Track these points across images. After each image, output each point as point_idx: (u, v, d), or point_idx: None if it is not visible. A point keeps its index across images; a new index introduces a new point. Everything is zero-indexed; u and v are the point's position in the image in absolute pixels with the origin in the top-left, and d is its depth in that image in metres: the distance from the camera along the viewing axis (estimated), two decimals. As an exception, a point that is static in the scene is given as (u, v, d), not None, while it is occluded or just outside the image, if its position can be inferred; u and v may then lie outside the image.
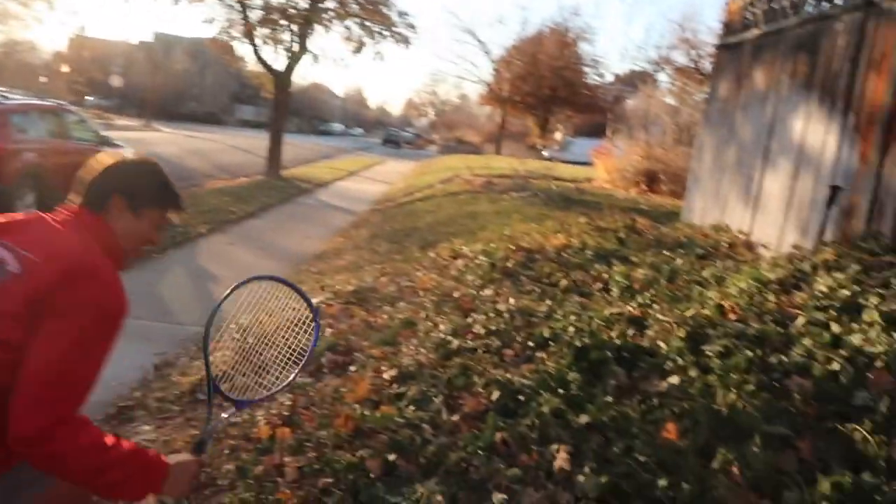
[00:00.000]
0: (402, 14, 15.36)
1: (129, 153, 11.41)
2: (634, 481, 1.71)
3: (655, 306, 2.64)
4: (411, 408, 2.28)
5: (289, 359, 2.00)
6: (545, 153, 34.61)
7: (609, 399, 1.96)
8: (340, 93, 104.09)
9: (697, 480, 1.66)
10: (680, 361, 2.12)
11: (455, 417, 2.18)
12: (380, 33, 15.46)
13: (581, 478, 1.76)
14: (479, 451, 1.96)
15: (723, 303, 2.58)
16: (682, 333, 2.25)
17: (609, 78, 42.54)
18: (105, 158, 1.75)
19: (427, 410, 2.24)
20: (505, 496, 1.79)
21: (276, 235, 9.81)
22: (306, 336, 1.99)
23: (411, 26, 15.45)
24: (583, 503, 1.72)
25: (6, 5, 30.51)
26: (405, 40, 15.37)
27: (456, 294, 3.45)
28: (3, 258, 1.48)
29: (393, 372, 2.70)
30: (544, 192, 8.93)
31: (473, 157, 21.80)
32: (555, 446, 1.88)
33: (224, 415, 1.87)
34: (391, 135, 66.81)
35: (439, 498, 1.83)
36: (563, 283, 3.36)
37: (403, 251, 6.23)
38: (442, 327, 2.98)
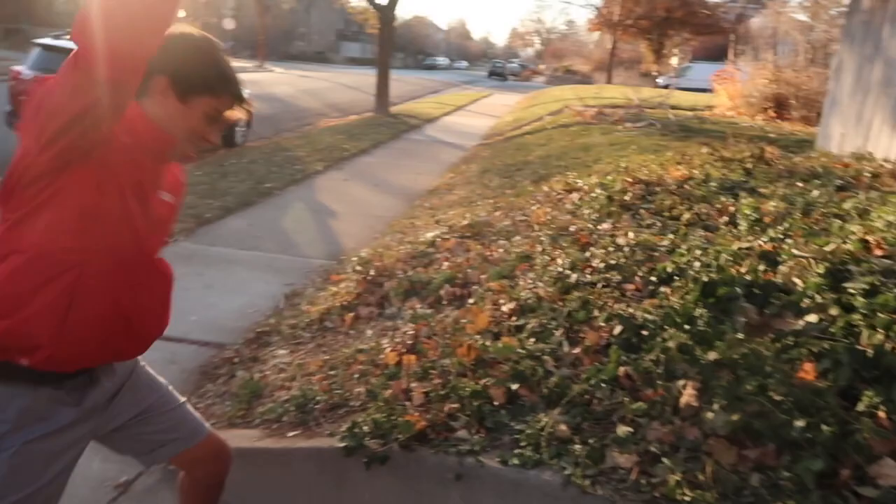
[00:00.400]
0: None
1: (246, 94, 11.90)
2: (767, 420, 1.67)
3: (789, 241, 2.50)
4: (532, 340, 2.32)
5: None
6: (660, 80, 32.80)
7: (740, 336, 1.90)
8: (444, 26, 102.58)
9: (839, 423, 1.60)
10: (818, 299, 2.01)
11: (576, 350, 2.20)
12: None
13: (710, 415, 1.74)
14: (603, 384, 1.97)
15: (867, 237, 2.41)
16: (820, 269, 2.12)
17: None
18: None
19: (548, 343, 2.28)
20: (630, 429, 1.80)
21: (388, 172, 10.01)
22: None
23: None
24: (711, 440, 1.71)
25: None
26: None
27: (572, 228, 3.42)
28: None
29: (511, 305, 2.74)
30: (661, 121, 8.51)
31: (583, 88, 21.04)
32: (681, 382, 1.86)
33: None
34: (496, 67, 65.39)
35: (563, 427, 1.87)
36: (686, 216, 3.24)
37: (515, 186, 6.20)
38: (559, 261, 2.97)
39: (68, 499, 1.62)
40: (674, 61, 43.48)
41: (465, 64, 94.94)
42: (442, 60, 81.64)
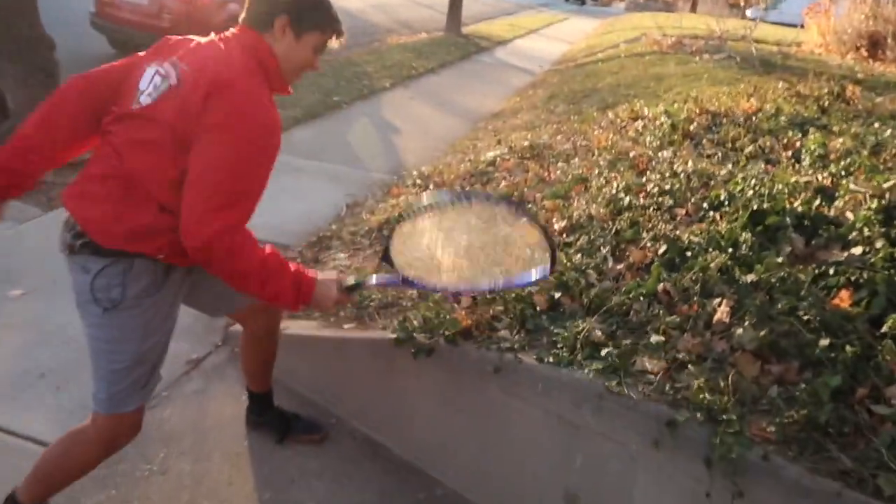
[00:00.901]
0: None
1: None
2: (794, 339, 1.76)
3: (850, 177, 2.49)
4: (579, 255, 2.43)
5: (474, 274, 1.86)
6: (749, 12, 30.83)
7: (779, 260, 1.96)
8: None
9: (863, 346, 1.67)
10: (867, 232, 2.03)
11: (620, 266, 2.30)
12: None
13: (739, 330, 1.83)
14: (641, 298, 2.08)
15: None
16: (874, 205, 2.13)
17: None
18: None
19: (593, 258, 2.38)
20: (662, 338, 1.91)
21: (454, 92, 9.97)
22: (517, 267, 1.83)
23: None
24: (738, 354, 1.80)
25: None
26: None
27: (632, 154, 3.43)
28: (167, 72, 1.64)
29: (563, 223, 2.83)
30: (742, 54, 8.14)
31: (663, 16, 20.05)
32: (717, 300, 1.95)
33: (382, 280, 1.94)
34: (575, -10, 62.51)
35: (598, 333, 2.00)
36: (749, 148, 3.21)
37: (581, 112, 6.14)
38: (614, 184, 3.02)
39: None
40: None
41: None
42: (519, -20, 78.52)
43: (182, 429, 2.61)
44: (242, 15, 1.76)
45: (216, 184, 1.56)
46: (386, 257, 1.90)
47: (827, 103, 4.23)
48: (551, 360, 1.97)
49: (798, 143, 3.21)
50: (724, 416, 1.63)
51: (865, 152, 2.97)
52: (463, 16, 18.45)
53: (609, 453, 1.85)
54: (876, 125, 3.73)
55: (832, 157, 2.93)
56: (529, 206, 3.34)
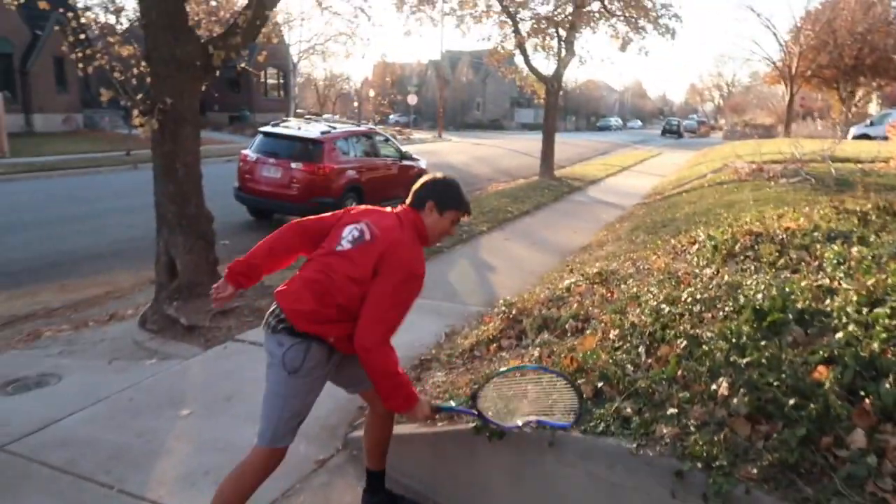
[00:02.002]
0: (665, 6, 15.35)
1: (423, 164, 13.43)
2: (776, 404, 2.24)
3: (848, 278, 2.95)
4: (619, 353, 3.00)
5: (531, 416, 2.71)
6: (853, 130, 30.66)
7: (764, 344, 2.46)
8: (618, 87, 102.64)
9: (826, 405, 2.13)
10: (844, 320, 2.50)
11: (650, 360, 2.84)
12: (643, 28, 15.64)
13: (735, 400, 2.33)
14: (663, 381, 2.62)
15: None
16: (855, 297, 2.60)
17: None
18: (426, 177, 2.80)
19: (630, 355, 2.94)
20: (676, 410, 2.43)
21: (546, 231, 10.83)
22: (556, 416, 2.65)
23: (676, 17, 15.35)
24: (734, 418, 2.30)
25: (327, 46, 36.68)
26: (671, 32, 15.33)
27: (680, 273, 4.00)
28: (362, 230, 2.63)
29: (616, 332, 3.41)
30: (819, 175, 8.50)
31: (755, 142, 20.52)
32: (720, 379, 2.46)
33: (462, 409, 2.92)
34: (670, 124, 64.40)
35: (628, 410, 2.55)
36: (780, 262, 3.71)
37: (655, 241, 6.73)
38: (661, 298, 3.59)
39: (283, 468, 2.77)
40: (871, 108, 40.27)
41: (638, 123, 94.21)
42: (614, 121, 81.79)
43: (313, 511, 3.27)
44: (408, 199, 2.80)
45: (381, 307, 2.46)
46: (474, 397, 2.80)
47: (873, 216, 4.63)
48: (591, 431, 2.52)
49: (827, 254, 3.67)
50: (716, 463, 2.12)
51: (886, 258, 3.40)
52: (558, 159, 19.81)
53: (638, 502, 2.33)
54: (917, 234, 4.10)
55: (852, 264, 3.38)
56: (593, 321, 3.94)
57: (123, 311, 6.97)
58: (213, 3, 7.24)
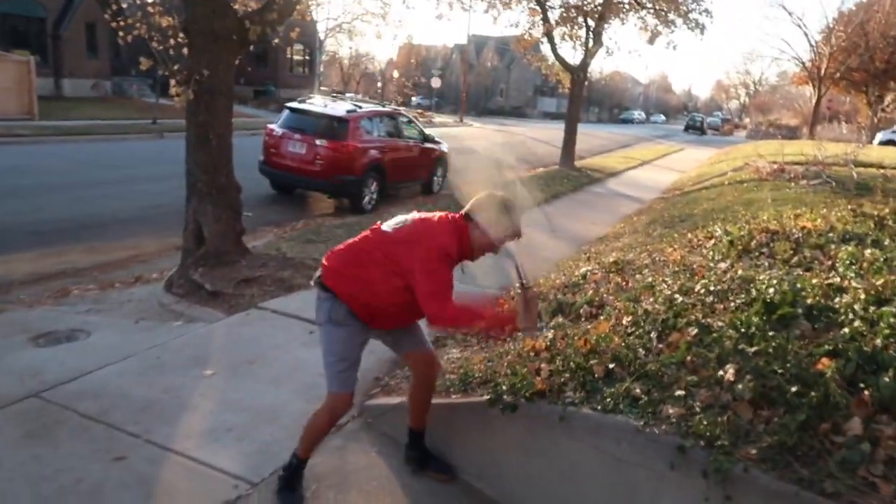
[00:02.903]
0: (696, 0, 15.25)
1: (445, 147, 13.51)
2: (779, 391, 2.36)
3: (858, 278, 3.05)
4: (632, 337, 3.13)
5: None
6: (879, 136, 30.31)
7: (771, 334, 2.58)
8: (644, 80, 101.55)
9: (825, 394, 2.25)
10: (851, 316, 2.61)
11: (661, 345, 2.97)
12: (673, 22, 15.55)
13: (740, 386, 2.45)
14: (672, 365, 2.74)
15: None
16: (862, 296, 2.71)
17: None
18: (485, 193, 2.86)
19: (642, 339, 3.07)
20: (683, 392, 2.56)
21: (564, 220, 10.92)
22: None
23: (707, 12, 15.24)
24: (738, 402, 2.42)
25: (354, 25, 36.71)
26: (701, 27, 15.24)
27: (694, 265, 4.11)
28: (407, 218, 2.88)
29: (629, 318, 3.53)
30: (840, 179, 8.51)
31: (778, 143, 20.40)
32: (728, 365, 2.58)
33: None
34: (694, 121, 63.81)
35: (637, 390, 2.68)
36: (794, 259, 3.80)
37: (672, 234, 6.81)
38: (675, 288, 3.70)
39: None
40: (900, 114, 39.67)
41: (662, 118, 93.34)
42: (638, 114, 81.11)
43: (328, 471, 3.43)
44: (465, 208, 2.91)
45: (420, 282, 2.68)
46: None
47: (891, 220, 4.70)
48: (601, 409, 2.65)
49: (841, 254, 3.76)
50: (718, 443, 2.25)
51: (896, 261, 3.48)
52: (580, 150, 19.79)
53: (642, 477, 2.47)
54: (933, 239, 4.17)
55: (864, 265, 3.47)
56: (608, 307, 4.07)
57: (149, 275, 7.18)
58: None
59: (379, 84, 52.49)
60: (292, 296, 5.96)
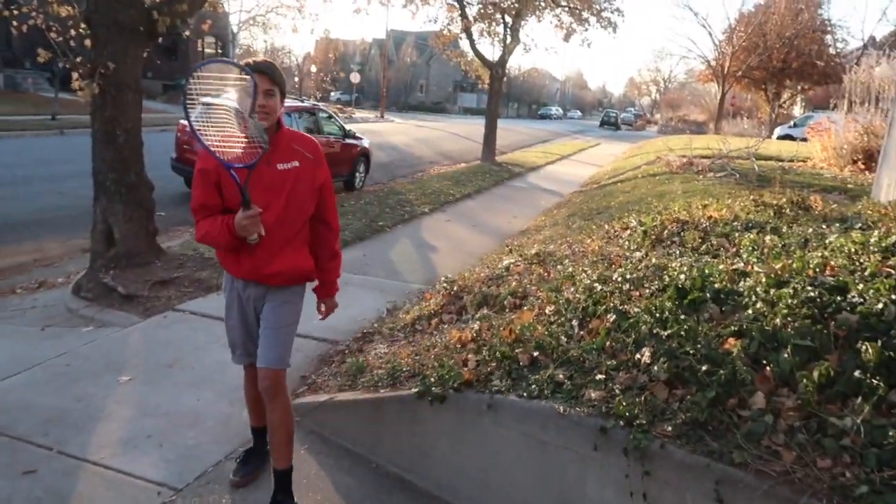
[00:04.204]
0: (608, 0, 15.77)
1: (367, 143, 13.44)
2: (691, 371, 2.49)
3: (760, 263, 3.26)
4: (554, 325, 3.22)
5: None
6: (777, 130, 32.19)
7: (683, 318, 2.72)
8: (560, 76, 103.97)
9: (734, 372, 2.40)
10: (754, 298, 2.79)
11: (582, 332, 3.07)
12: (587, 20, 16.03)
13: (655, 367, 2.57)
14: (593, 351, 2.84)
15: (811, 259, 3.14)
16: (763, 279, 2.90)
17: (854, 45, 37.81)
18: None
19: (564, 327, 3.16)
20: (603, 376, 2.66)
21: (486, 214, 11.07)
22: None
23: (618, 11, 15.79)
24: (654, 383, 2.54)
25: (269, 18, 35.83)
26: (613, 25, 15.76)
27: (612, 255, 4.27)
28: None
29: (552, 307, 3.63)
30: (743, 171, 9.02)
31: (687, 138, 21.39)
32: (644, 349, 2.70)
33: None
34: (609, 116, 65.99)
35: (560, 376, 2.76)
36: (703, 247, 4.01)
37: (590, 226, 7.04)
38: (593, 277, 3.83)
39: (225, 432, 2.75)
40: (796, 111, 42.36)
41: (578, 114, 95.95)
42: (555, 110, 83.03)
43: (255, 473, 3.36)
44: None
45: None
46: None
47: (788, 210, 5.03)
48: (526, 395, 2.72)
49: (744, 241, 4.00)
50: (637, 422, 2.36)
51: (794, 246, 3.73)
52: (500, 145, 20.08)
53: (568, 459, 2.55)
54: (823, 226, 4.49)
55: (765, 250, 3.70)
56: (531, 297, 4.17)
57: (53, 280, 6.80)
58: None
59: (296, 79, 51.49)
60: (211, 296, 5.78)
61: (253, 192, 2.54)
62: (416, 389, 3.12)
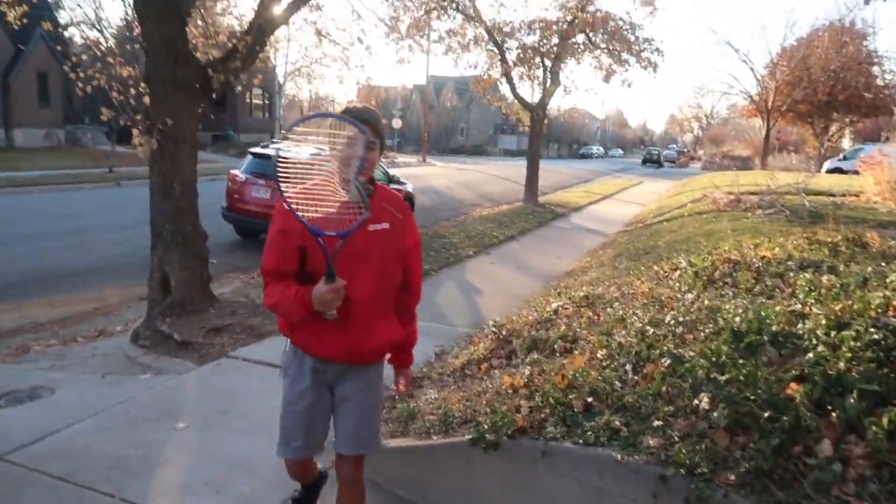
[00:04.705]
0: (647, 41, 15.86)
1: (410, 188, 13.62)
2: (752, 417, 2.43)
3: (818, 304, 3.18)
4: (607, 370, 3.19)
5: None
6: (826, 164, 31.53)
7: (741, 362, 2.67)
8: (600, 115, 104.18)
9: (796, 418, 2.33)
10: (814, 341, 2.72)
11: (637, 377, 3.03)
12: (626, 61, 16.12)
13: (715, 414, 2.52)
14: (649, 397, 2.80)
15: (890, 301, 3.04)
16: (824, 321, 2.82)
17: (904, 75, 36.94)
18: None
19: (618, 372, 3.13)
20: (661, 423, 2.62)
21: (531, 256, 11.06)
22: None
23: (658, 51, 15.86)
24: (715, 430, 2.48)
25: (313, 68, 37.04)
26: (653, 65, 15.82)
27: (663, 297, 4.21)
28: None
29: (603, 352, 3.60)
30: (793, 208, 8.84)
31: (733, 174, 21.08)
32: (702, 394, 2.65)
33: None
34: (651, 154, 65.70)
35: (617, 422, 2.72)
36: (756, 288, 3.94)
37: (638, 267, 6.97)
38: (645, 320, 3.79)
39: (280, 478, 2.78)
40: (844, 143, 41.49)
41: (619, 152, 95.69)
42: (596, 150, 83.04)
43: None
44: None
45: None
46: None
47: (843, 248, 4.90)
48: (582, 442, 2.69)
49: (799, 281, 3.91)
50: (698, 470, 2.30)
51: (853, 287, 3.64)
52: (542, 186, 20.13)
53: (625, 509, 2.50)
54: (883, 264, 4.37)
55: (822, 291, 3.62)
56: (581, 341, 4.14)
57: (112, 328, 7.04)
58: (212, 28, 7.43)
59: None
60: (263, 342, 5.90)
61: (341, 260, 2.21)
62: (469, 436, 3.11)
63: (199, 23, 7.29)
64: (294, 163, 2.21)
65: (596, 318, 4.51)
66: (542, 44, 17.12)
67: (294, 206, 2.16)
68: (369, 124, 2.24)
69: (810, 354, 2.69)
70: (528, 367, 3.95)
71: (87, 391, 5.02)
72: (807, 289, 3.64)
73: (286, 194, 2.19)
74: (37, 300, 8.04)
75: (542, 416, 3.05)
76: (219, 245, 10.51)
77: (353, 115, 2.22)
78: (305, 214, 2.17)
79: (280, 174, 2.20)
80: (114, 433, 4.19)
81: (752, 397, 2.47)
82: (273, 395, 4.74)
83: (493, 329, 5.20)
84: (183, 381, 5.17)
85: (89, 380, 5.36)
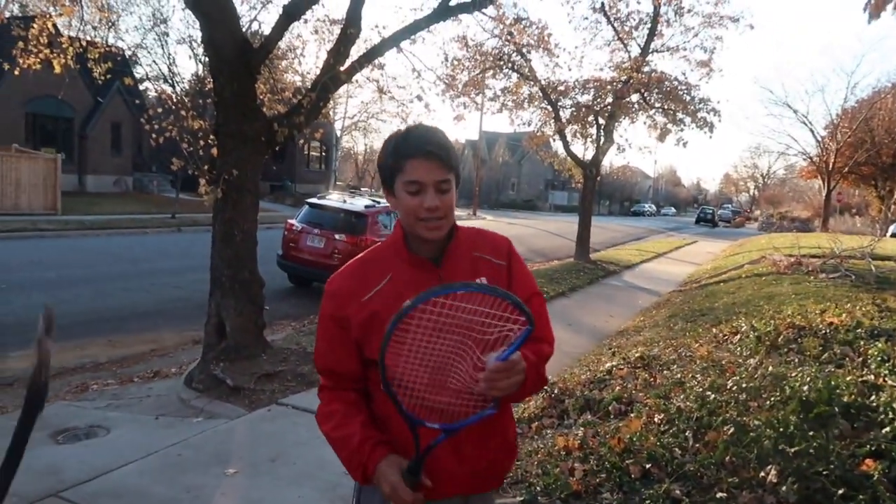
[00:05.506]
0: (703, 101, 15.78)
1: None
2: (824, 494, 2.30)
3: (893, 375, 3.02)
4: (666, 436, 3.07)
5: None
6: (892, 228, 30.40)
7: (811, 434, 2.54)
8: (653, 173, 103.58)
9: (873, 496, 2.19)
10: (891, 415, 2.57)
11: (698, 445, 2.91)
12: (682, 120, 16.05)
13: (784, 488, 2.39)
14: (712, 466, 2.68)
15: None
16: (899, 394, 2.68)
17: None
18: None
19: (677, 438, 3.01)
20: (725, 495, 2.50)
21: (582, 313, 10.89)
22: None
23: (714, 111, 15.75)
24: (784, 505, 2.36)
25: (370, 122, 38.11)
26: (709, 125, 15.70)
27: (724, 361, 4.08)
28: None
29: (661, 416, 3.49)
30: (859, 272, 8.51)
31: (793, 235, 20.53)
32: (769, 466, 2.53)
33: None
34: (705, 213, 64.61)
35: (678, 492, 2.61)
36: (824, 356, 3.77)
37: (696, 329, 6.78)
38: (705, 385, 3.67)
39: None
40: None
41: (672, 210, 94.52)
42: (648, 207, 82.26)
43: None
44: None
45: None
46: None
47: (917, 316, 4.68)
48: (640, 512, 2.58)
49: (870, 350, 3.74)
50: (767, 549, 2.18)
51: (930, 357, 3.45)
52: (593, 243, 19.93)
53: (687, 587, 2.37)
54: (962, 335, 4.14)
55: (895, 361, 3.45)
56: (637, 404, 4.02)
57: (167, 369, 7.18)
58: (278, 84, 7.77)
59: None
60: (312, 391, 5.91)
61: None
62: (521, 498, 3.03)
63: (267, 79, 7.62)
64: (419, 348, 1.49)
65: (652, 380, 4.38)
66: (596, 102, 17.22)
67: (395, 392, 1.50)
68: (434, 157, 1.60)
69: (887, 429, 2.55)
70: (582, 429, 3.85)
71: (141, 432, 5.10)
72: (879, 358, 3.48)
73: (394, 373, 1.49)
74: (98, 340, 8.30)
75: (598, 480, 2.95)
76: (273, 292, 10.71)
77: (430, 144, 1.61)
78: (411, 403, 1.53)
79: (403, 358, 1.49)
80: (165, 475, 4.22)
81: (824, 472, 2.34)
82: (320, 445, 4.74)
83: (545, 387, 5.11)
84: (234, 426, 5.21)
85: (143, 421, 5.45)
